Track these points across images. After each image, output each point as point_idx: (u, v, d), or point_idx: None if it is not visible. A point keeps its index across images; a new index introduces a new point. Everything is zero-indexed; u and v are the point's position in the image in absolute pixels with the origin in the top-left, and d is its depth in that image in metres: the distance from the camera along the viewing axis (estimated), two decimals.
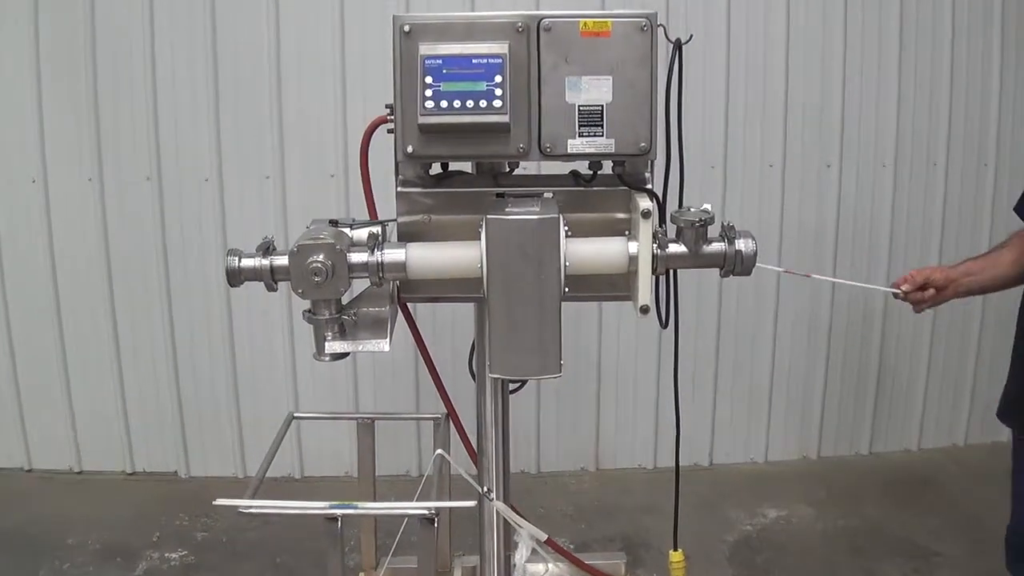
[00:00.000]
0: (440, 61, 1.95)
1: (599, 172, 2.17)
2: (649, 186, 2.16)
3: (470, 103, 1.94)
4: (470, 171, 2.30)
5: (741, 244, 2.10)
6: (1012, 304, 4.76)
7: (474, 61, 1.95)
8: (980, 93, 4.53)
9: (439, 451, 2.44)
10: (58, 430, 4.53)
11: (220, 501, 2.28)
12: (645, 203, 2.01)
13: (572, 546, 3.86)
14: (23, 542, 3.94)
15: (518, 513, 2.45)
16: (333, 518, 2.20)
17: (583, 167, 2.18)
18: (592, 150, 2.01)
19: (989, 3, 4.44)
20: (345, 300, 2.15)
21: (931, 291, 2.64)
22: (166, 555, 3.89)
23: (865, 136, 4.49)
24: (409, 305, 2.40)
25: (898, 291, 2.68)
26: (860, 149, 4.50)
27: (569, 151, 2.01)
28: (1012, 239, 2.72)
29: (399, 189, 2.20)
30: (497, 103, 1.94)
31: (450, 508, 2.70)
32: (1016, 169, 4.61)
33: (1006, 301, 4.72)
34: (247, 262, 2.06)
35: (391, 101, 2.04)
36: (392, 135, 2.06)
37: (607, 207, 2.20)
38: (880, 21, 4.38)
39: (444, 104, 1.94)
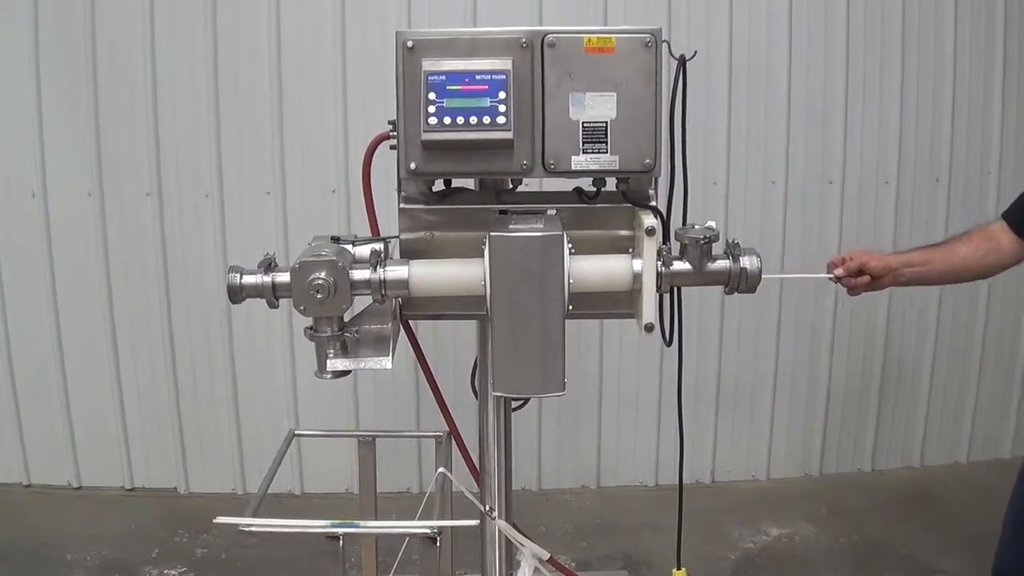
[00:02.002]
0: (443, 77, 1.94)
1: (603, 189, 2.16)
2: (653, 203, 2.15)
3: (473, 119, 1.93)
4: (473, 188, 2.29)
5: (746, 261, 2.09)
6: (1014, 320, 4.77)
7: (477, 77, 1.94)
8: (982, 110, 4.53)
9: (441, 469, 2.43)
10: (57, 445, 4.51)
11: (221, 519, 2.26)
12: (649, 220, 2.00)
13: (574, 564, 3.84)
14: (21, 558, 3.92)
15: (520, 531, 2.44)
16: (335, 536, 2.18)
17: (587, 184, 2.17)
18: (596, 167, 2.01)
19: (992, 20, 4.45)
20: (347, 317, 2.14)
21: (866, 278, 2.52)
22: (165, 572, 3.86)
23: (867, 153, 4.48)
24: (411, 322, 2.39)
25: (831, 275, 2.56)
26: (862, 166, 4.49)
27: (573, 168, 2.01)
28: (972, 233, 2.59)
29: (401, 206, 2.19)
30: (501, 119, 1.93)
31: (452, 527, 2.68)
32: (1018, 186, 4.59)
33: (1008, 316, 4.75)
34: (248, 279, 2.05)
35: (393, 117, 2.04)
36: (395, 151, 2.05)
37: (611, 224, 2.19)
38: (883, 38, 4.39)
39: (447, 120, 1.93)
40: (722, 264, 2.11)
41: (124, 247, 4.32)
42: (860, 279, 2.52)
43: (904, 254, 2.60)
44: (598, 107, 1.98)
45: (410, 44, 1.97)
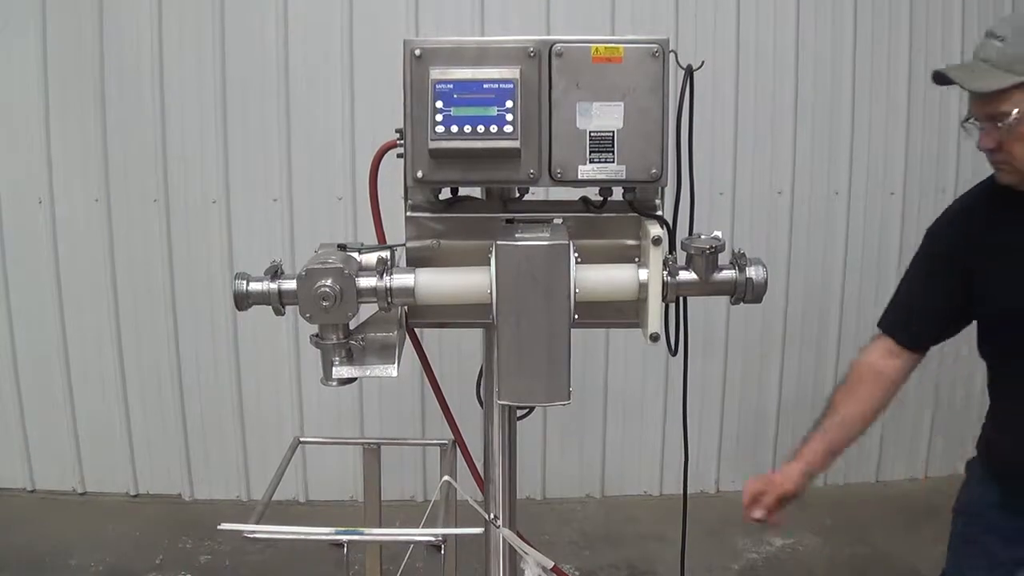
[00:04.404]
0: (451, 86, 1.94)
1: (609, 198, 2.16)
2: (659, 213, 2.15)
3: (481, 128, 1.92)
4: (480, 196, 2.29)
5: (752, 272, 2.08)
6: None
7: (485, 86, 1.94)
8: None
9: (446, 477, 2.43)
10: (62, 451, 4.52)
11: (225, 525, 2.26)
12: (655, 230, 2.00)
13: (578, 573, 3.84)
14: (25, 564, 3.92)
15: (524, 540, 2.43)
16: (339, 544, 2.18)
17: (593, 193, 2.17)
18: (603, 176, 2.00)
19: None
20: (353, 325, 2.14)
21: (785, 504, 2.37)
22: None
23: (874, 164, 4.49)
24: (417, 330, 2.39)
25: (754, 519, 2.40)
26: (868, 177, 4.50)
27: (580, 177, 2.00)
28: (854, 384, 2.44)
29: (408, 214, 2.19)
30: (508, 128, 1.93)
31: (456, 535, 2.67)
32: None
33: None
34: (255, 286, 2.05)
35: (400, 125, 2.04)
36: (401, 159, 2.05)
37: (617, 233, 2.18)
38: (890, 49, 4.39)
39: (455, 129, 1.93)
40: (728, 274, 2.10)
41: (131, 253, 4.34)
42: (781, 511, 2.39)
43: (804, 456, 2.39)
44: (605, 117, 1.98)
45: (418, 52, 1.97)
